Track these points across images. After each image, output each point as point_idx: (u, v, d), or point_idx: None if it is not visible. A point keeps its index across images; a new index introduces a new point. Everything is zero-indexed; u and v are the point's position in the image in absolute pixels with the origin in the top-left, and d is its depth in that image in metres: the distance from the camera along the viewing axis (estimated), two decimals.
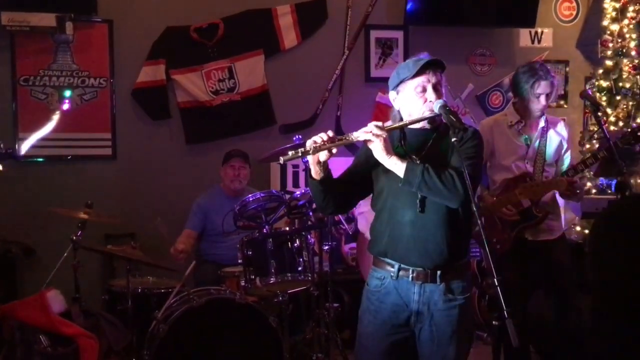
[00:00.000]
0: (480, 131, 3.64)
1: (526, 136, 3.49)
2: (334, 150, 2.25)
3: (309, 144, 2.24)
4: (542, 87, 3.37)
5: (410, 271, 2.36)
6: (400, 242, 2.36)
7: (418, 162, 2.31)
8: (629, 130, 3.73)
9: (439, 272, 2.35)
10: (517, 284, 3.42)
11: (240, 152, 4.44)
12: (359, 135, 2.27)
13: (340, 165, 2.54)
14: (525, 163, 3.48)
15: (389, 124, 2.43)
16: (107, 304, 3.82)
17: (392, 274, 2.39)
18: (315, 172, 2.32)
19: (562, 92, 5.59)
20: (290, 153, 2.24)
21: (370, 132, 2.25)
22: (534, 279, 3.54)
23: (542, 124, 3.50)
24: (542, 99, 3.39)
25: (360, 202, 2.66)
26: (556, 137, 3.52)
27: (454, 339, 2.37)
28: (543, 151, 3.48)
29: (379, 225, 2.43)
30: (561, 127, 3.56)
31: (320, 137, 2.25)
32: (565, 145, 3.55)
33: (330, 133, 2.26)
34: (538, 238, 3.48)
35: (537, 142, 3.49)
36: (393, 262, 2.39)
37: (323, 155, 2.26)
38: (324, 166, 2.31)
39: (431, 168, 2.25)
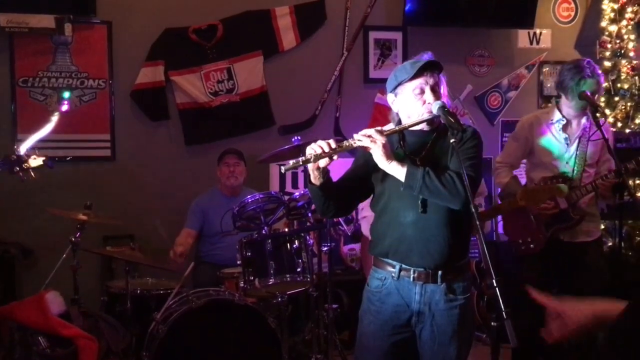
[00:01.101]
0: (519, 127, 3.63)
1: (566, 135, 3.45)
2: (335, 157, 2.26)
3: (309, 152, 2.24)
4: (587, 85, 3.30)
5: (412, 271, 2.37)
6: (402, 243, 2.36)
7: (418, 163, 2.32)
8: None
9: (440, 272, 2.35)
10: (537, 283, 3.42)
11: (233, 149, 4.46)
12: (358, 141, 2.27)
13: (339, 167, 2.54)
14: (565, 163, 3.44)
15: (388, 126, 2.43)
16: (106, 305, 3.82)
17: (393, 274, 2.39)
18: (315, 178, 2.32)
19: None
20: (291, 162, 2.24)
21: (370, 137, 2.25)
22: (555, 279, 3.51)
23: (584, 123, 3.44)
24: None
25: (362, 206, 2.66)
26: (598, 136, 3.42)
27: (455, 339, 2.38)
28: (584, 151, 3.41)
29: (380, 226, 2.44)
30: (604, 128, 3.46)
31: (319, 145, 2.25)
32: (605, 147, 3.48)
33: (332, 142, 2.26)
34: (575, 240, 3.45)
35: (578, 141, 3.43)
36: (394, 263, 2.39)
37: (323, 162, 2.26)
38: (324, 171, 2.31)
39: (432, 171, 2.25)
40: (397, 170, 2.27)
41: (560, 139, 3.45)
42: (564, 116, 3.44)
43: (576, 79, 3.32)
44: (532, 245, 3.44)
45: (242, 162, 4.42)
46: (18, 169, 3.50)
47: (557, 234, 3.43)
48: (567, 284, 3.52)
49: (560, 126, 3.45)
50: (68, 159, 4.67)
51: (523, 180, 3.78)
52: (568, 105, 3.41)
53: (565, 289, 3.56)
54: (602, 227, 4.92)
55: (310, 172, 2.32)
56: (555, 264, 3.48)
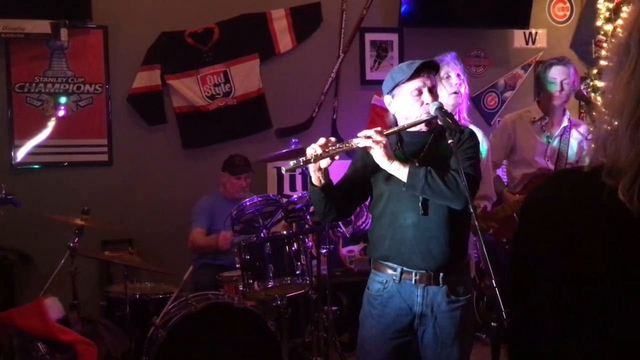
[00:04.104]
0: (502, 125, 3.70)
1: (548, 134, 3.52)
2: (336, 157, 2.25)
3: (310, 152, 2.24)
4: (555, 71, 3.45)
5: (413, 274, 2.36)
6: (403, 245, 2.35)
7: (417, 165, 2.32)
8: None
9: (441, 274, 2.35)
10: None
11: (245, 165, 4.36)
12: (359, 141, 2.27)
13: (338, 169, 2.54)
14: (547, 160, 3.50)
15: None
16: (105, 310, 3.81)
17: (394, 277, 2.38)
18: (317, 179, 2.31)
19: None
20: (291, 163, 2.24)
21: (370, 138, 2.25)
22: None
23: (564, 122, 3.53)
24: (558, 83, 3.45)
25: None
26: (578, 137, 3.56)
27: (457, 340, 2.38)
28: (565, 150, 3.52)
29: (380, 229, 2.43)
30: (584, 129, 3.61)
31: (320, 144, 2.24)
32: (585, 147, 3.57)
33: (332, 139, 2.26)
34: None
35: (558, 140, 3.52)
36: (395, 266, 2.39)
37: (324, 163, 2.26)
38: (325, 172, 2.31)
39: (434, 171, 2.25)
40: (399, 171, 2.27)
41: (542, 136, 3.52)
42: (545, 114, 3.51)
43: (544, 67, 3.51)
44: (507, 247, 3.46)
45: (250, 173, 4.41)
46: None
47: None
48: None
49: (542, 124, 3.51)
50: (65, 164, 4.67)
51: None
52: (546, 100, 3.53)
53: None
54: None
55: (312, 174, 2.31)
56: None
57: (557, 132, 3.52)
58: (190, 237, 4.22)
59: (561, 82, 3.44)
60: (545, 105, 3.52)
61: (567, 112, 3.55)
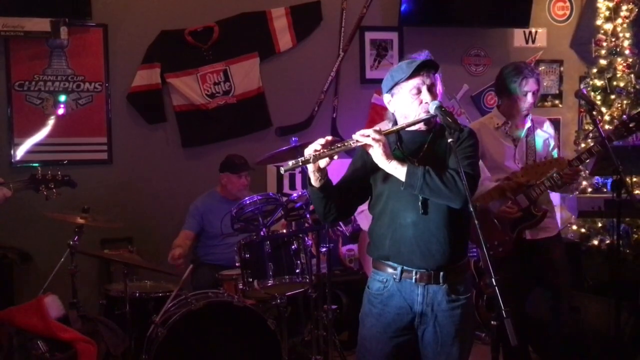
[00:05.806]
0: None
1: (513, 137, 3.53)
2: (335, 157, 2.25)
3: (309, 152, 2.23)
4: (529, 85, 3.43)
5: (414, 273, 2.36)
6: (403, 245, 2.35)
7: (416, 164, 2.32)
8: (620, 122, 3.75)
9: (442, 273, 2.35)
10: (515, 283, 3.44)
11: (245, 163, 4.37)
12: (358, 141, 2.27)
13: (338, 168, 2.54)
14: (516, 163, 3.50)
15: (385, 125, 2.43)
16: (105, 309, 3.82)
17: (394, 276, 2.39)
18: (316, 179, 2.31)
19: (557, 92, 5.62)
20: (290, 163, 2.23)
21: (369, 137, 2.25)
22: (531, 277, 3.56)
23: (528, 124, 3.54)
24: (530, 96, 3.45)
25: None
26: (543, 135, 3.58)
27: (457, 339, 2.38)
28: (533, 151, 3.51)
29: (380, 228, 2.43)
30: (547, 126, 3.63)
31: (319, 144, 2.24)
32: (552, 143, 3.60)
33: (330, 138, 2.26)
34: (537, 237, 3.50)
35: (524, 142, 3.52)
36: (395, 265, 2.38)
37: (323, 162, 2.25)
38: (324, 172, 2.31)
39: (432, 170, 2.25)
40: (398, 170, 2.27)
41: (508, 141, 3.53)
42: (507, 119, 3.51)
43: (518, 80, 3.43)
44: (500, 249, 3.46)
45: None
46: (43, 187, 3.66)
47: (522, 233, 3.48)
48: (542, 282, 3.57)
49: (507, 128, 3.51)
50: (64, 162, 4.67)
51: None
52: (511, 107, 3.50)
53: (542, 286, 3.61)
54: (600, 225, 4.95)
55: (311, 174, 2.30)
56: (525, 263, 3.51)
57: (523, 133, 3.53)
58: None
59: (533, 94, 3.44)
60: (511, 108, 3.50)
61: (529, 113, 3.55)
